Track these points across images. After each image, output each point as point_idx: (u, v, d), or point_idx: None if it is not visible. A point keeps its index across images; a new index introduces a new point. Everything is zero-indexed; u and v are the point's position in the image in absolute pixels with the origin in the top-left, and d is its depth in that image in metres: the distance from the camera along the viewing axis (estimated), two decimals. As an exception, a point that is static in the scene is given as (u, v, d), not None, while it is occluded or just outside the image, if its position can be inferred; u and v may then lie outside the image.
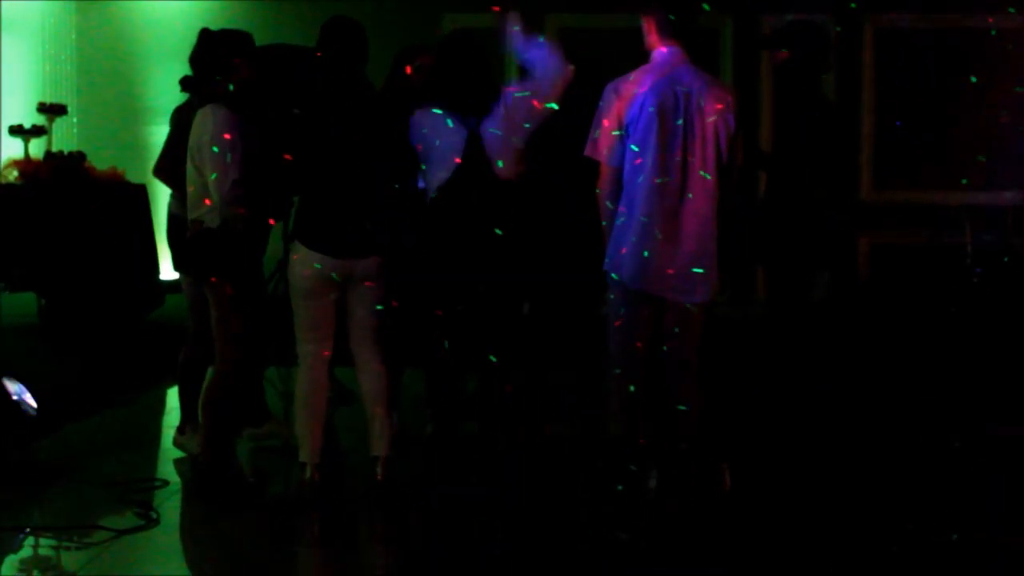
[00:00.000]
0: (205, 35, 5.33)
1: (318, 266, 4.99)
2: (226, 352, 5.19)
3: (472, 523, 4.93)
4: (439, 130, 5.03)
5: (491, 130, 5.01)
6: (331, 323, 5.17)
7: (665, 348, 4.75)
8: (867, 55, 9.71)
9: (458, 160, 5.01)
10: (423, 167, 5.13)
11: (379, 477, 5.16)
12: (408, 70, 5.70)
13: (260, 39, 5.36)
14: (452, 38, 5.25)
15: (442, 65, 5.15)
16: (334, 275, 5.01)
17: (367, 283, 5.08)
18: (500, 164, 5.00)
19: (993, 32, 9.33)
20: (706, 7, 4.89)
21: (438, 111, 5.05)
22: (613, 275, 4.73)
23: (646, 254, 4.61)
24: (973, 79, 8.54)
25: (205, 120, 5.06)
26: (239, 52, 5.16)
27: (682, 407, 4.70)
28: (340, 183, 5.01)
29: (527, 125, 5.03)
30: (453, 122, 5.02)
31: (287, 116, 5.09)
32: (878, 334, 8.05)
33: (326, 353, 5.19)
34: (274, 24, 9.38)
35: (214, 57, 5.19)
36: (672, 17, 4.69)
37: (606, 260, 4.76)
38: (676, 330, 4.70)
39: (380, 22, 9.59)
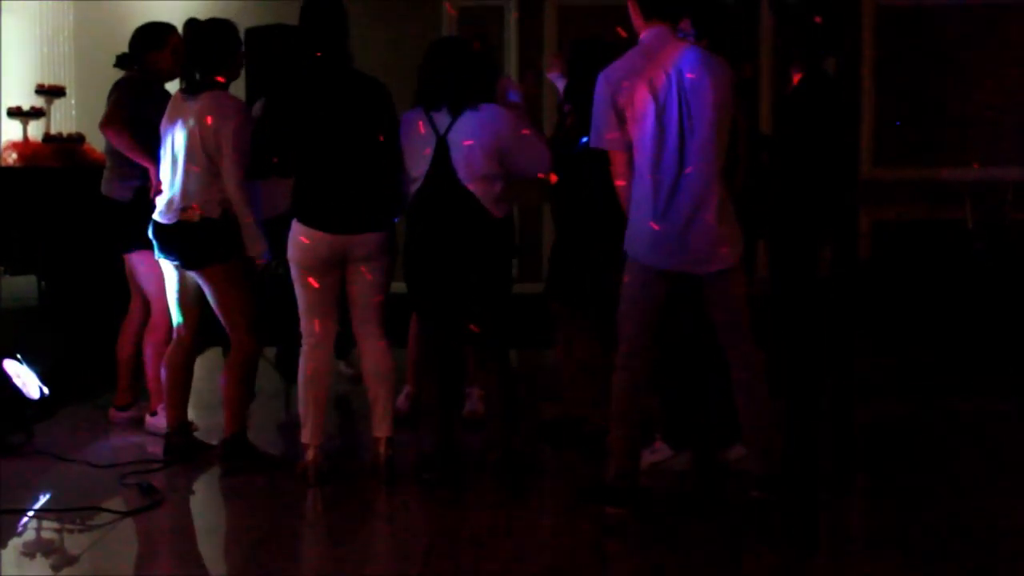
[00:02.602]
0: (191, 25, 5.30)
1: (313, 245, 4.96)
2: (239, 332, 5.25)
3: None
4: (411, 133, 5.03)
5: (464, 142, 4.96)
6: (332, 302, 5.13)
7: (717, 326, 4.75)
8: (867, 33, 9.65)
9: (422, 170, 5.00)
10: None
11: (381, 458, 5.14)
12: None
13: (260, 9, 5.33)
14: (436, 43, 5.26)
15: (427, 63, 5.11)
16: (331, 251, 4.98)
17: (367, 261, 5.04)
18: (463, 177, 4.97)
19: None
20: None
21: (418, 110, 5.05)
22: (634, 257, 4.70)
23: (659, 231, 4.59)
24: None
25: (222, 108, 5.12)
26: (229, 43, 5.24)
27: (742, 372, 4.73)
28: (327, 159, 4.97)
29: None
30: (426, 125, 4.99)
31: (277, 97, 5.10)
32: (881, 310, 8.04)
33: (328, 332, 5.15)
34: (274, 16, 9.34)
35: (215, 48, 5.23)
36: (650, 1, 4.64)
37: (624, 241, 4.74)
38: (715, 299, 4.70)
39: (382, 5, 9.60)
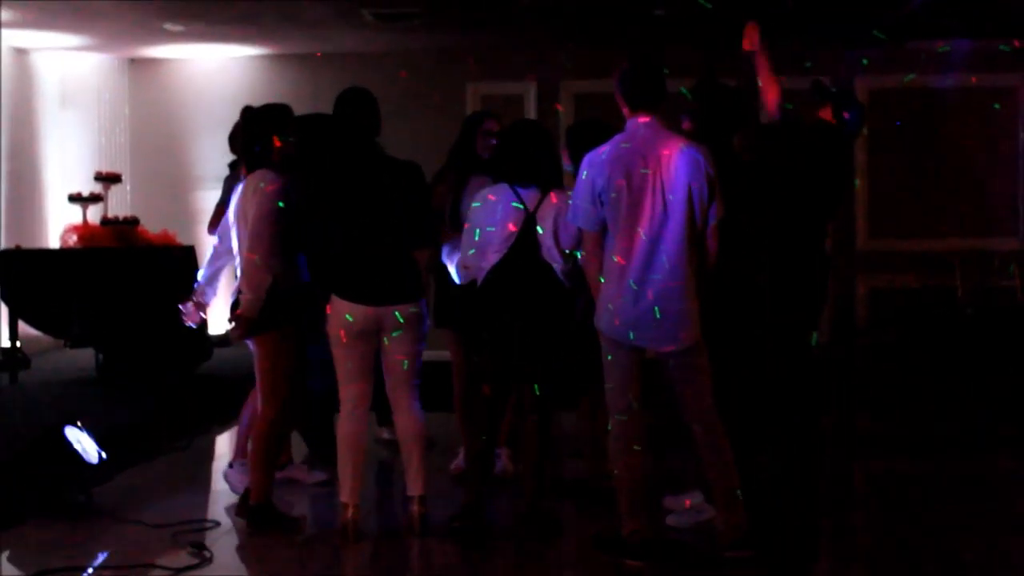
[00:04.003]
0: (245, 112, 5.43)
1: (350, 317, 5.05)
2: (268, 404, 5.26)
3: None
4: (495, 207, 5.08)
5: (550, 220, 5.04)
6: (369, 369, 5.19)
7: (680, 399, 4.74)
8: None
9: (508, 242, 5.06)
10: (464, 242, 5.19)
11: (415, 515, 5.19)
12: (497, 126, 5.89)
13: (299, 99, 5.44)
14: (523, 123, 5.42)
15: (514, 141, 5.21)
16: (367, 322, 5.06)
17: (400, 330, 5.11)
18: (545, 252, 5.05)
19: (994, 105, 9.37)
20: (665, 71, 4.89)
21: (505, 184, 5.12)
22: (599, 328, 4.76)
23: (624, 307, 4.64)
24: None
25: (255, 187, 5.18)
26: (277, 127, 5.27)
27: (706, 447, 4.69)
28: (363, 237, 5.06)
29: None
30: (513, 201, 5.07)
31: (306, 179, 5.18)
32: (876, 371, 8.06)
33: (364, 397, 5.21)
34: (316, 85, 9.51)
35: (253, 132, 5.31)
36: (631, 94, 4.72)
37: (596, 317, 4.79)
38: (677, 378, 4.71)
39: (409, 90, 9.78)
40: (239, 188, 5.33)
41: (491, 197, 5.14)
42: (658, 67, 4.79)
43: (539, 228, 5.04)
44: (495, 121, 6.13)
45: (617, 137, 4.76)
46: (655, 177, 4.61)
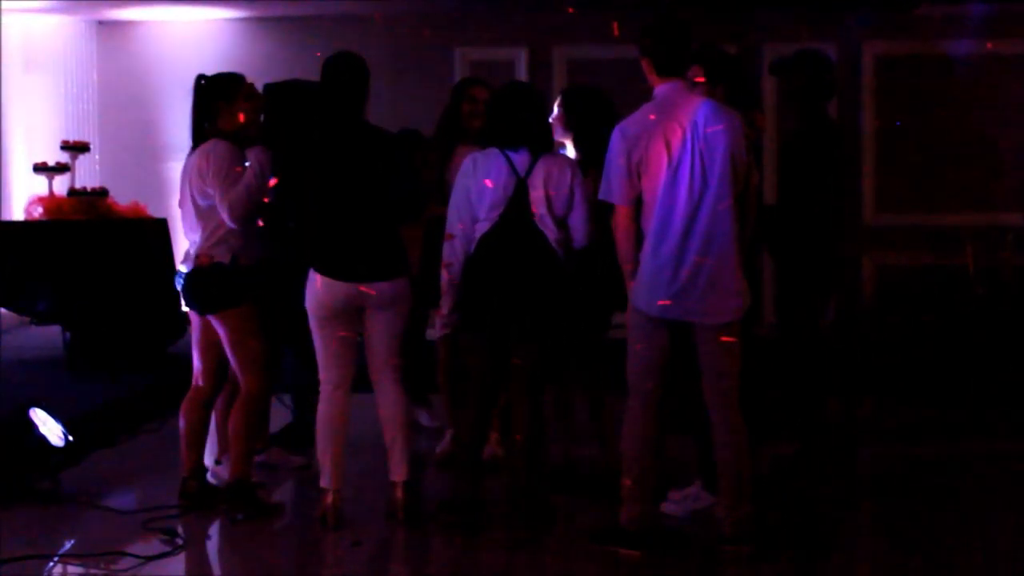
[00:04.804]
0: (196, 82, 5.39)
1: (329, 294, 4.98)
2: (248, 376, 5.25)
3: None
4: (485, 171, 5.01)
5: (542, 185, 4.99)
6: (350, 350, 5.13)
7: (704, 386, 4.69)
8: (868, 81, 9.70)
9: (498, 210, 4.99)
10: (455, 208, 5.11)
11: (399, 501, 5.12)
12: (485, 92, 5.79)
13: (279, 64, 5.38)
14: (512, 85, 5.31)
15: (504, 105, 5.13)
16: (348, 300, 4.99)
17: (383, 309, 5.04)
18: (538, 219, 4.99)
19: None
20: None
21: (495, 149, 5.05)
22: (635, 305, 4.68)
23: (664, 281, 4.57)
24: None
25: (208, 154, 5.18)
26: (223, 96, 5.27)
27: (724, 431, 4.64)
28: (344, 211, 5.00)
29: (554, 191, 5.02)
30: (505, 166, 5.00)
31: (288, 150, 5.14)
32: (884, 352, 8.01)
33: (345, 379, 5.14)
34: (296, 48, 9.41)
35: (198, 105, 5.32)
36: (662, 56, 4.65)
37: (630, 294, 4.71)
38: (709, 354, 4.64)
39: (395, 54, 9.68)
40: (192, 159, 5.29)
41: (480, 161, 5.06)
42: (686, 28, 4.71)
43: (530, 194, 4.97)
44: (481, 88, 6.02)
45: (647, 105, 4.68)
46: (693, 143, 4.55)
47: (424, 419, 6.74)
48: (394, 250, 5.08)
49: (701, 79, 5.03)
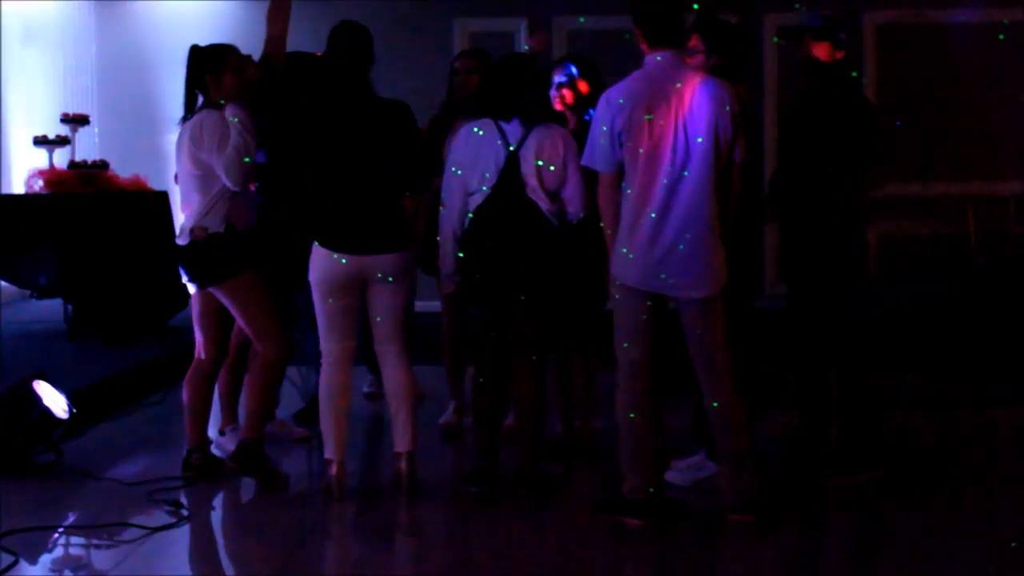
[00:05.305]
0: (190, 51, 5.39)
1: (332, 266, 4.99)
2: (263, 340, 5.27)
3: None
4: (478, 142, 5.01)
5: (534, 157, 4.98)
6: (352, 321, 5.14)
7: (694, 363, 4.69)
8: (868, 51, 9.66)
9: (491, 181, 5.00)
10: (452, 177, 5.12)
11: (403, 472, 5.15)
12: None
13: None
14: (507, 56, 5.32)
15: (499, 76, 5.14)
16: (351, 272, 5.00)
17: (386, 281, 5.05)
18: (530, 190, 4.99)
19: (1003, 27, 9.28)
20: (695, 6, 4.79)
21: (489, 120, 5.05)
22: (615, 275, 4.69)
23: (641, 252, 4.57)
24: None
25: (200, 124, 5.19)
26: (211, 67, 5.28)
27: (715, 404, 4.65)
28: (347, 182, 5.00)
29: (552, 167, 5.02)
30: (497, 137, 5.00)
31: (289, 120, 5.14)
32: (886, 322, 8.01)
33: (348, 350, 5.16)
34: (294, 21, 9.35)
35: (190, 76, 5.35)
36: (652, 26, 4.63)
37: (611, 263, 4.73)
38: (691, 327, 4.65)
39: (393, 25, 9.63)
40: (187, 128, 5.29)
41: (474, 132, 5.06)
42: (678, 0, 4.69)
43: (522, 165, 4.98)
44: (465, 58, 6.08)
45: (636, 73, 4.68)
46: (677, 115, 4.54)
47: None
48: (397, 222, 5.08)
49: (699, 47, 5.01)
